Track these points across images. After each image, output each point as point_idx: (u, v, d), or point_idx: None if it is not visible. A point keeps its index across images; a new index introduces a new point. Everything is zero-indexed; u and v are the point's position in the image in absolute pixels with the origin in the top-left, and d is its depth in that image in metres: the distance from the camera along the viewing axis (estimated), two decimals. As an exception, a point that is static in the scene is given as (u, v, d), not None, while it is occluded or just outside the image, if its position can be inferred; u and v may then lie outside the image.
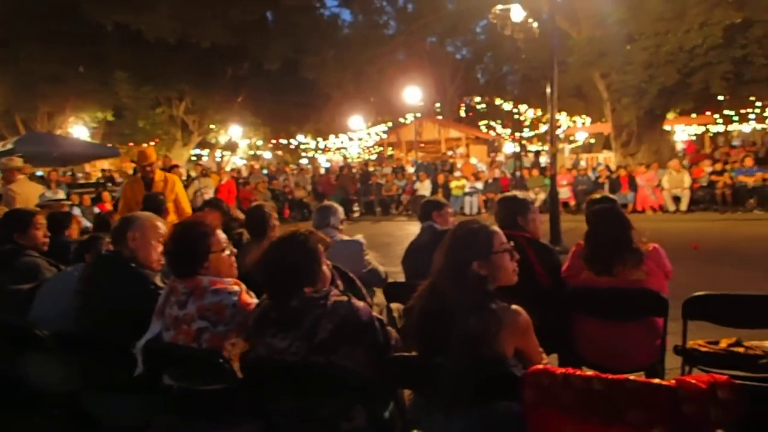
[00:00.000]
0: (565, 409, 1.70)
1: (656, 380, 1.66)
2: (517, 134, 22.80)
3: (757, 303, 2.77)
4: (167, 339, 2.23)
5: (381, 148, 28.61)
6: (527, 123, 26.79)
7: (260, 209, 3.78)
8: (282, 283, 2.05)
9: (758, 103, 21.22)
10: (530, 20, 10.40)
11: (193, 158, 26.73)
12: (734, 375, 2.29)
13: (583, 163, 18.29)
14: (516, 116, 26.45)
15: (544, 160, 17.95)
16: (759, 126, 24.24)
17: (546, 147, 15.41)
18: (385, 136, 28.26)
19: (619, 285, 2.75)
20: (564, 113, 23.83)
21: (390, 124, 28.33)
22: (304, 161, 29.14)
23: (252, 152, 30.08)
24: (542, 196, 13.49)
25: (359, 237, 3.83)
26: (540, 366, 1.78)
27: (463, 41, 34.82)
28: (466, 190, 15.81)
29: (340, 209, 3.94)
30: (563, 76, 14.19)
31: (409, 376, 2.08)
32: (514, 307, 1.94)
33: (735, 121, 23.08)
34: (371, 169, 20.09)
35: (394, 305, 3.44)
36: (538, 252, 2.99)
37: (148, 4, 18.87)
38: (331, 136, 29.27)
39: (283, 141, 28.56)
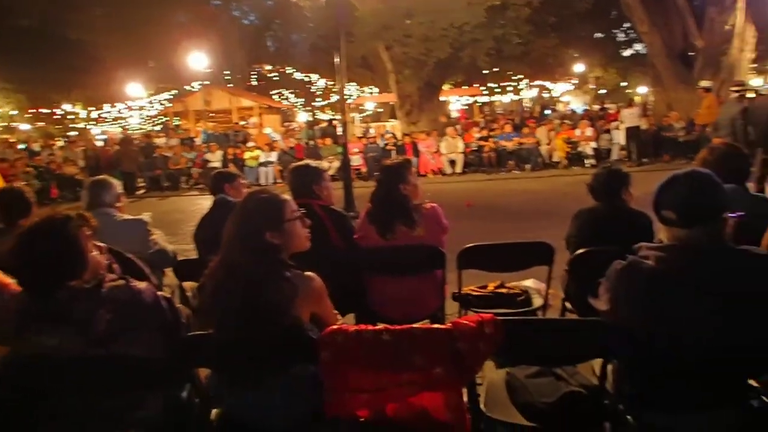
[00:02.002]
0: (360, 363, 1.80)
1: (435, 325, 1.84)
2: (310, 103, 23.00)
3: (515, 249, 3.23)
4: None
5: (166, 119, 26.53)
6: (319, 92, 27.16)
7: (11, 191, 3.24)
8: (39, 278, 1.80)
9: (515, 77, 24.43)
10: (315, -11, 10.44)
11: None
12: (499, 312, 2.66)
13: (372, 132, 19.21)
14: (308, 85, 26.61)
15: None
16: (516, 97, 27.98)
17: (338, 116, 15.80)
18: (170, 105, 26.24)
19: (402, 243, 2.97)
20: (354, 83, 24.66)
21: (175, 92, 26.35)
22: (73, 134, 25.71)
23: (5, 124, 25.63)
24: (336, 164, 13.88)
25: (144, 215, 3.53)
26: (334, 326, 1.85)
27: (249, 6, 33.64)
28: (261, 160, 15.56)
29: (116, 184, 3.55)
30: (350, 47, 14.61)
31: (205, 354, 2.00)
32: (308, 273, 1.97)
33: (498, 93, 26.27)
34: (156, 141, 18.58)
35: (187, 284, 3.27)
36: (333, 217, 3.08)
37: None
38: (106, 106, 26.24)
39: (46, 110, 24.78)
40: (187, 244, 4.15)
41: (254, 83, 30.42)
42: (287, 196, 2.10)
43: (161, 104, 26.63)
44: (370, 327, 1.85)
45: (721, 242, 1.68)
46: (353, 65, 20.64)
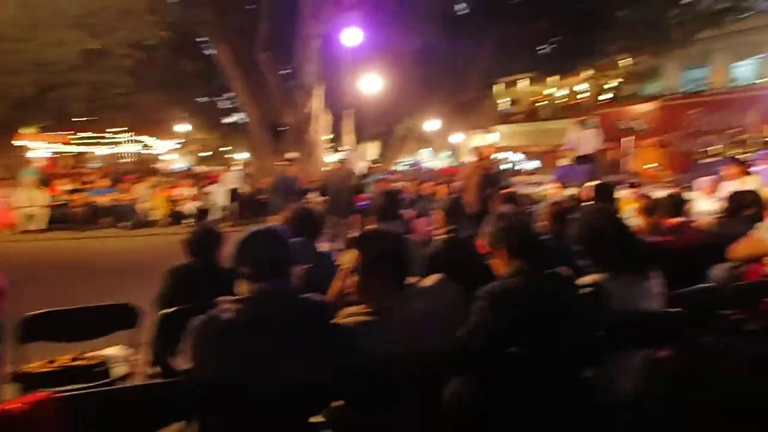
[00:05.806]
0: None
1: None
2: None
3: (93, 314, 2.88)
4: None
5: None
6: None
7: None
8: None
9: (114, 129, 23.10)
10: None
11: None
12: (75, 389, 2.30)
13: None
14: None
15: None
16: (115, 150, 26.40)
17: None
18: None
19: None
20: None
21: None
22: None
23: None
24: None
25: None
26: None
27: None
28: None
29: None
30: None
31: None
32: None
33: (93, 144, 24.28)
34: None
35: None
36: None
37: None
38: None
39: None
40: None
41: None
42: None
43: None
44: None
45: (289, 291, 1.87)
46: None
